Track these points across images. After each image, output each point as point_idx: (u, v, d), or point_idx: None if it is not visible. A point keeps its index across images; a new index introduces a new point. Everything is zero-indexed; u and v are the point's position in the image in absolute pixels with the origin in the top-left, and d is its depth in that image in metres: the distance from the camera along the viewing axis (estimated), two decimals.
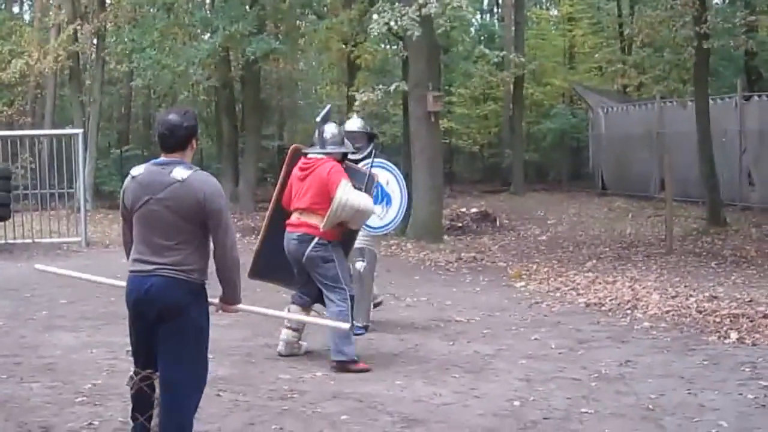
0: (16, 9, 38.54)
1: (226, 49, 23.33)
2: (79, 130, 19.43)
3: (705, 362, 7.81)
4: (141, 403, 5.19)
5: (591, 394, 6.90)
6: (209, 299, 5.19)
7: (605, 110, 28.05)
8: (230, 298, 5.25)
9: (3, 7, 36.32)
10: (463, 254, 15.56)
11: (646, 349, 8.40)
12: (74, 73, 28.31)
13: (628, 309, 10.32)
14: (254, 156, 26.20)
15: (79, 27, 26.00)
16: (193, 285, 5.01)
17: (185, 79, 24.83)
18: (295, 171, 8.26)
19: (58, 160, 18.15)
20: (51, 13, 28.06)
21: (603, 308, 10.54)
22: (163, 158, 5.09)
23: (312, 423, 6.28)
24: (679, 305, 10.27)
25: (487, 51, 19.34)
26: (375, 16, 15.22)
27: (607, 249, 16.03)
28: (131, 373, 5.21)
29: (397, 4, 15.26)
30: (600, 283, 12.11)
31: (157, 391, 5.16)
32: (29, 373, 7.76)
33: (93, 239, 17.84)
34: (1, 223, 17.47)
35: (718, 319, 9.44)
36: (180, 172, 4.95)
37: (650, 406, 6.52)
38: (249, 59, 22.68)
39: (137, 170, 5.12)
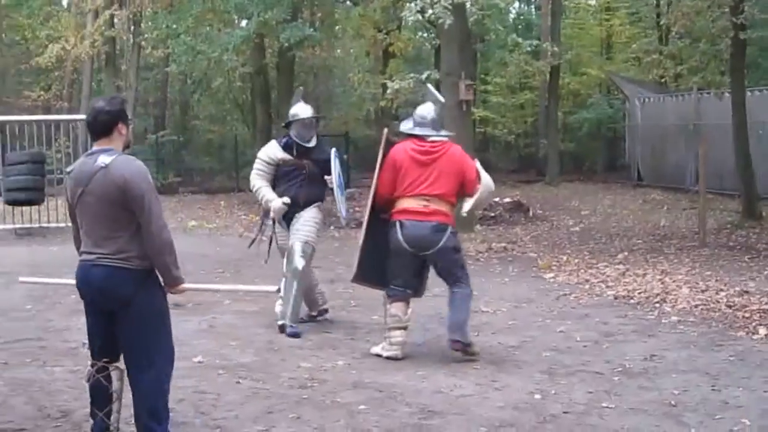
0: None
1: (261, 36, 23.35)
2: None
3: (731, 358, 7.70)
4: (99, 397, 5.16)
5: (613, 388, 6.83)
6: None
7: (642, 101, 27.81)
8: (168, 281, 5.12)
9: None
10: (493, 244, 15.48)
11: (672, 343, 8.30)
12: (110, 59, 28.49)
13: (657, 302, 10.21)
14: None
15: (115, 12, 26.12)
16: (135, 272, 4.95)
17: (220, 65, 24.87)
18: (410, 155, 7.71)
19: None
20: None
21: (631, 301, 10.43)
22: (93, 148, 5.07)
23: (330, 412, 6.25)
24: (709, 299, 10.14)
25: (520, 40, 19.22)
26: (408, 4, 15.09)
27: (640, 241, 15.89)
28: (88, 366, 5.19)
29: None
30: (630, 276, 11.99)
31: (115, 384, 5.14)
32: (53, 357, 7.82)
33: None
34: (36, 207, 17.67)
35: (747, 315, 9.31)
36: (103, 159, 4.91)
37: (672, 402, 6.44)
38: (283, 46, 22.68)
39: (71, 166, 5.13)
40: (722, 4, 16.95)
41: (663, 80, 27.43)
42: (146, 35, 28.22)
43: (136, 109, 29.17)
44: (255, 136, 28.86)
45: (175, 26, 23.88)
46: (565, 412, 6.25)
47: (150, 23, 28.77)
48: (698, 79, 21.46)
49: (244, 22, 24.35)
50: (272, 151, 9.06)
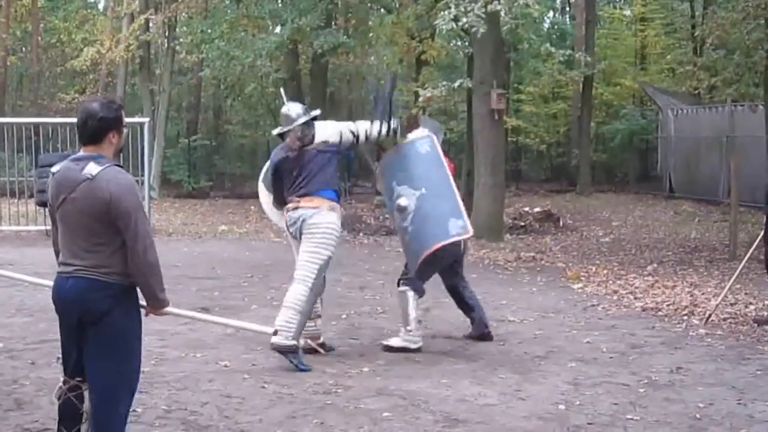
0: None
1: (294, 42, 23.45)
2: (146, 119, 19.63)
3: (758, 372, 7.64)
4: (68, 415, 4.87)
5: (638, 400, 6.78)
6: (141, 302, 4.82)
7: (675, 112, 27.68)
8: (151, 302, 4.79)
9: None
10: (522, 254, 15.44)
11: (699, 356, 8.25)
12: (145, 63, 28.69)
13: (685, 315, 10.16)
14: None
15: (151, 17, 26.33)
16: (114, 287, 4.63)
17: (253, 70, 24.99)
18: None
19: (126, 149, 18.28)
20: (124, 2, 28.44)
21: (659, 313, 10.37)
22: (80, 153, 4.71)
23: (353, 419, 6.25)
24: (738, 313, 10.09)
25: (553, 49, 19.16)
26: (441, 12, 15.12)
27: (670, 253, 15.82)
28: (60, 382, 4.91)
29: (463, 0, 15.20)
30: (659, 288, 11.94)
31: (86, 404, 4.83)
32: None
33: (157, 227, 17.99)
34: None
35: None
36: (91, 169, 4.56)
37: (698, 416, 6.39)
38: (316, 52, 22.78)
39: (57, 167, 4.79)
40: (757, 16, 16.89)
41: (697, 92, 27.26)
42: (181, 40, 28.45)
43: (169, 113, 29.36)
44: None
45: (209, 31, 24.06)
46: (589, 423, 6.22)
47: (185, 28, 28.98)
48: (732, 91, 21.32)
49: (278, 28, 24.49)
50: None
